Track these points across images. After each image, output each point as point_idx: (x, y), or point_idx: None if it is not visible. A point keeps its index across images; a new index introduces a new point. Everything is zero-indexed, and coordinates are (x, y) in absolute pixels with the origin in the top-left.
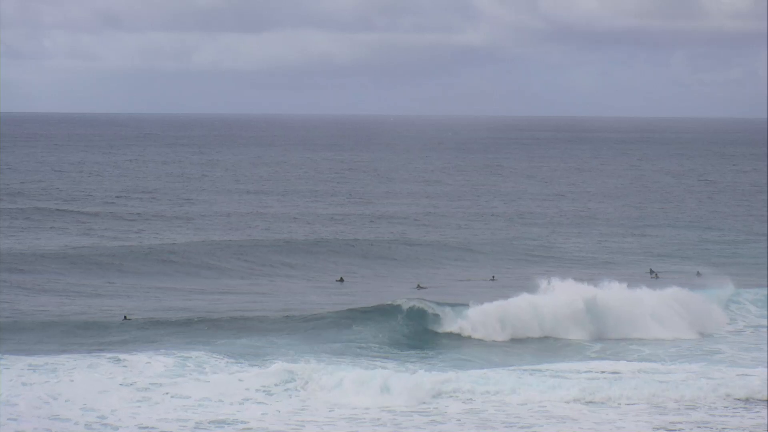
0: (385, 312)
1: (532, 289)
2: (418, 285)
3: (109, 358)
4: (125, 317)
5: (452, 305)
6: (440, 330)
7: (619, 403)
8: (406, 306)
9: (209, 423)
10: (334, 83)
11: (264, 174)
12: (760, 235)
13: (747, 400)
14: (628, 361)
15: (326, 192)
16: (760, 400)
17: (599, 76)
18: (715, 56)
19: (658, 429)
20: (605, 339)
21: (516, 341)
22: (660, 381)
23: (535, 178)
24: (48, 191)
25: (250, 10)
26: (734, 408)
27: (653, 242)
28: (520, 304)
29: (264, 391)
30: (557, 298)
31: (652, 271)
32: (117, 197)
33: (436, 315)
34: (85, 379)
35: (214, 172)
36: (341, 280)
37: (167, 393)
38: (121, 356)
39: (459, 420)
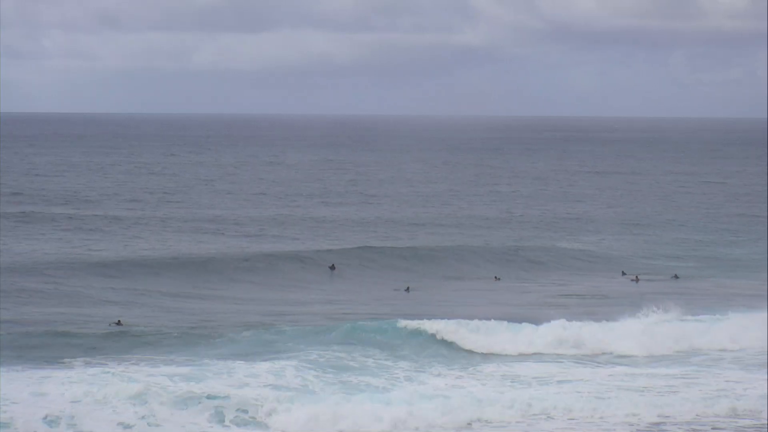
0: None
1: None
2: (407, 287)
3: (104, 363)
4: (118, 322)
5: None
6: None
7: (603, 415)
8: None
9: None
10: (334, 83)
11: (261, 174)
12: (758, 236)
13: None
14: (612, 365)
15: (323, 192)
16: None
17: (597, 75)
18: (714, 56)
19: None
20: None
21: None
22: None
23: (533, 178)
24: (44, 193)
25: (250, 10)
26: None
27: (649, 242)
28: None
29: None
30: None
31: (624, 273)
32: (111, 197)
33: None
34: (78, 384)
35: (212, 173)
36: (333, 267)
37: (164, 393)
38: (116, 361)
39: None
